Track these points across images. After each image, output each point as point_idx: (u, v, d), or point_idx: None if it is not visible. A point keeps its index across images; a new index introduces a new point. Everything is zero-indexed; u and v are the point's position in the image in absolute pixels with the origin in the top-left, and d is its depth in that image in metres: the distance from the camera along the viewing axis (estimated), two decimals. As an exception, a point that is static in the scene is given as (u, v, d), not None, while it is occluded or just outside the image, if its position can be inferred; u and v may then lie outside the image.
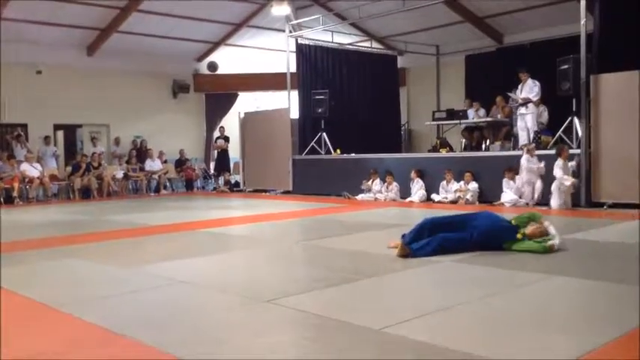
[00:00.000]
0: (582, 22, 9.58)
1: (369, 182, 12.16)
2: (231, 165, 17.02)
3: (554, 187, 9.42)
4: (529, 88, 11.35)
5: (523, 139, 11.28)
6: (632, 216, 8.07)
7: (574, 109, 9.98)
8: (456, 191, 10.87)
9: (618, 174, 9.31)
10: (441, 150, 13.00)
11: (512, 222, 5.83)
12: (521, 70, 11.43)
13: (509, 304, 3.91)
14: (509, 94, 11.96)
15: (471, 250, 5.59)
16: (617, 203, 9.25)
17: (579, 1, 9.70)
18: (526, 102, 11.33)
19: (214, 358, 2.98)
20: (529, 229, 5.68)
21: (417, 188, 11.48)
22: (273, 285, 4.60)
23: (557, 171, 9.36)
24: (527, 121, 11.35)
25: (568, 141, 10.07)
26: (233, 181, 16.37)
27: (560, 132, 10.40)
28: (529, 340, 3.16)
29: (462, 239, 5.66)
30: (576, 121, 9.92)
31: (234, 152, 16.81)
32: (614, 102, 9.43)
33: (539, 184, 9.71)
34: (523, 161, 9.87)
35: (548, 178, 9.64)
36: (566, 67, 10.07)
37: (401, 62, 17.40)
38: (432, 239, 5.62)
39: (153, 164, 16.22)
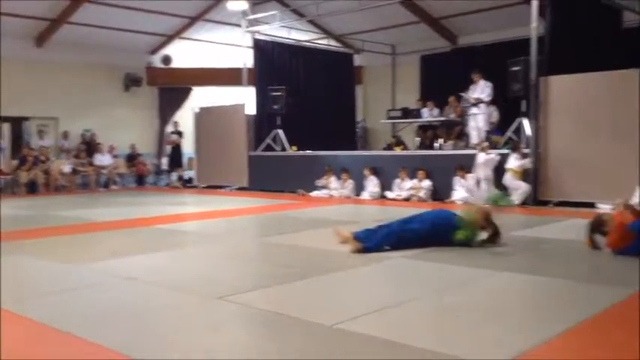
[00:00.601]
0: (533, 25, 9.84)
1: (325, 179, 12.19)
2: (185, 160, 16.77)
3: (508, 180, 9.68)
4: (481, 89, 11.60)
5: (474, 138, 11.52)
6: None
7: (524, 109, 10.24)
8: (409, 189, 11.01)
9: (564, 173, 9.62)
10: (395, 148, 13.15)
11: (461, 214, 5.93)
12: (475, 71, 11.66)
13: (459, 300, 3.99)
14: (462, 94, 12.19)
15: (420, 242, 5.68)
16: (562, 202, 9.56)
17: (530, 4, 9.96)
18: (478, 102, 11.57)
19: (165, 356, 2.92)
20: (473, 217, 5.81)
21: (371, 186, 11.58)
22: (226, 282, 4.56)
23: (513, 161, 9.69)
24: (478, 121, 11.59)
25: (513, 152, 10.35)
26: (186, 177, 16.13)
27: (509, 132, 10.67)
28: (480, 335, 3.23)
29: (408, 229, 5.77)
30: (525, 121, 10.19)
31: (187, 147, 16.57)
32: (563, 103, 9.72)
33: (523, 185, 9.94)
34: (480, 159, 10.08)
35: (499, 175, 9.91)
36: (516, 68, 10.32)
37: (357, 60, 17.50)
38: (378, 231, 5.75)
39: (102, 159, 15.83)
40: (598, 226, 5.48)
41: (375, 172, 11.62)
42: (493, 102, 11.76)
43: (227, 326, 3.51)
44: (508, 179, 9.78)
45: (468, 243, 5.72)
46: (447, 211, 6.21)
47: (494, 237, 5.80)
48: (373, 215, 6.40)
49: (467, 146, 11.74)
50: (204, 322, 3.52)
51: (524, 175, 9.75)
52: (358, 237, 5.74)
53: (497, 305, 3.89)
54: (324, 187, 12.23)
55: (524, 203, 9.66)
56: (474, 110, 11.68)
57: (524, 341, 3.03)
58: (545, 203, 9.69)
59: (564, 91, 9.73)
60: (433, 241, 5.73)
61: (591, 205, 8.96)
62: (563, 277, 4.58)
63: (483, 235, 5.79)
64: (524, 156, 9.81)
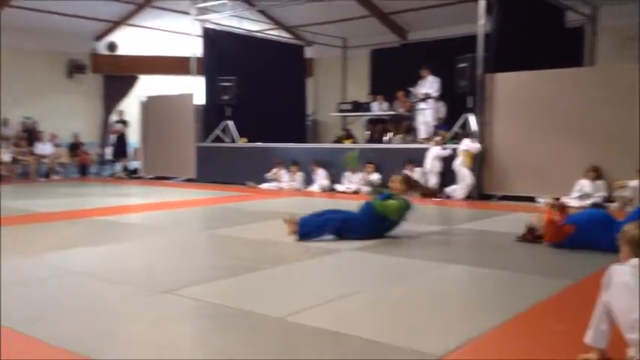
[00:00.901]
0: (480, 22, 10.06)
1: (275, 171, 12.17)
2: (130, 150, 16.39)
3: (457, 166, 9.89)
4: (429, 85, 11.78)
5: (422, 133, 11.71)
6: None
7: (470, 105, 10.47)
8: (358, 181, 11.10)
9: (508, 168, 9.90)
10: (345, 141, 13.22)
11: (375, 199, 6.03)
12: (424, 66, 11.83)
13: (406, 292, 4.05)
14: (411, 89, 12.35)
15: (365, 231, 5.76)
16: (506, 196, 9.84)
17: (478, 2, 10.16)
18: (426, 97, 11.75)
19: (111, 352, 2.85)
20: (391, 185, 6.03)
21: (320, 178, 11.62)
22: (172, 275, 4.48)
23: (468, 143, 9.95)
24: (426, 116, 11.78)
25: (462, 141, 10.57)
26: (132, 168, 15.77)
27: (456, 127, 10.90)
28: (426, 326, 3.29)
29: (346, 217, 5.88)
30: (471, 117, 10.42)
31: (133, 137, 16.18)
32: (507, 100, 9.99)
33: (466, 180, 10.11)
34: (433, 152, 10.22)
35: (448, 169, 10.13)
36: (464, 65, 10.53)
37: (308, 53, 17.48)
38: (317, 218, 5.87)
39: (44, 148, 15.29)
40: (531, 232, 5.69)
41: (322, 165, 11.66)
42: (441, 97, 11.97)
43: (174, 320, 3.45)
44: (458, 164, 9.94)
45: (406, 212, 5.87)
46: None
47: (428, 192, 5.96)
48: (322, 208, 6.47)
49: (415, 140, 11.91)
50: (150, 317, 3.45)
51: (474, 163, 9.93)
52: (301, 220, 5.84)
53: (443, 296, 3.97)
54: (273, 179, 12.20)
55: (468, 197, 9.88)
56: (422, 105, 11.85)
57: (468, 331, 3.10)
58: (489, 197, 9.95)
59: (509, 88, 10.00)
60: (377, 230, 5.83)
61: (533, 200, 9.25)
62: (505, 269, 4.71)
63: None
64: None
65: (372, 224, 5.85)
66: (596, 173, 8.94)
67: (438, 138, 10.60)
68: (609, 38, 12.42)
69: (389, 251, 5.40)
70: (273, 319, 3.33)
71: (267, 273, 4.58)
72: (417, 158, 10.47)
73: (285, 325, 3.24)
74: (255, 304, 3.65)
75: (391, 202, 5.87)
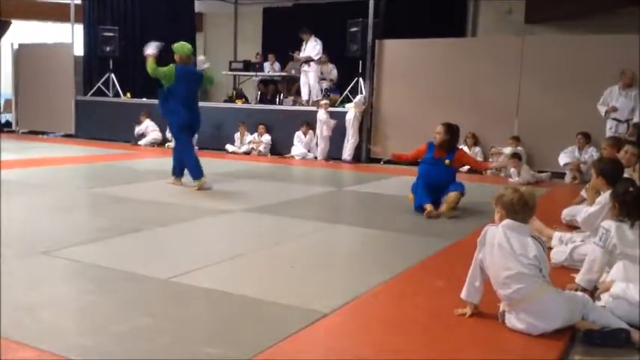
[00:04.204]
0: (372, -13, 10.18)
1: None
2: (1, 102, 15.11)
3: (348, 120, 10.05)
4: (311, 47, 11.76)
5: (305, 94, 11.71)
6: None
7: (360, 70, 10.64)
8: (249, 142, 11.01)
9: (394, 132, 10.24)
10: (236, 101, 12.99)
11: None
12: (303, 29, 11.76)
13: (295, 252, 4.11)
14: (293, 54, 12.28)
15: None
16: (391, 159, 10.18)
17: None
18: (308, 60, 11.74)
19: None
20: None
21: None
22: (51, 235, 4.23)
23: (357, 100, 10.18)
24: (309, 78, 11.77)
25: (353, 100, 10.76)
26: (3, 121, 14.59)
27: (347, 91, 11.06)
28: (314, 285, 3.37)
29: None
30: (361, 81, 10.61)
31: (4, 88, 14.90)
32: (395, 66, 10.26)
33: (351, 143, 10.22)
34: (321, 116, 10.29)
35: (340, 133, 10.24)
36: (355, 29, 10.64)
37: (198, 6, 16.80)
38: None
39: None
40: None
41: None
42: (332, 60, 12.03)
43: (54, 282, 3.27)
44: (349, 118, 10.08)
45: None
46: None
47: None
48: (214, 168, 6.40)
49: (301, 103, 11.90)
50: (29, 279, 3.25)
51: (361, 125, 10.14)
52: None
53: (332, 256, 4.08)
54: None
55: (358, 160, 10.14)
56: (305, 67, 11.82)
57: (355, 288, 3.21)
58: (377, 161, 10.27)
59: (397, 54, 10.26)
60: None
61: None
62: (391, 230, 4.91)
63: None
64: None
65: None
66: (474, 140, 9.48)
67: (323, 102, 10.62)
68: (490, 11, 13.02)
69: (280, 212, 5.44)
70: (159, 281, 3.26)
71: (154, 233, 4.46)
72: (311, 121, 10.54)
73: (170, 287, 3.19)
74: (140, 265, 3.55)
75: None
